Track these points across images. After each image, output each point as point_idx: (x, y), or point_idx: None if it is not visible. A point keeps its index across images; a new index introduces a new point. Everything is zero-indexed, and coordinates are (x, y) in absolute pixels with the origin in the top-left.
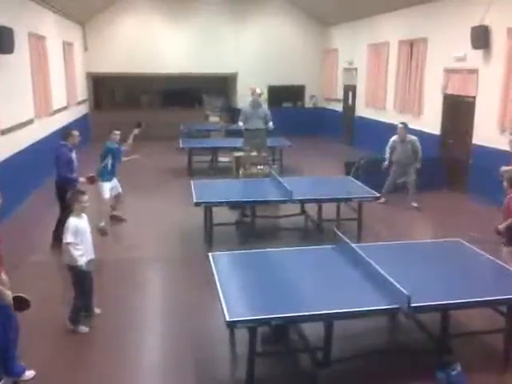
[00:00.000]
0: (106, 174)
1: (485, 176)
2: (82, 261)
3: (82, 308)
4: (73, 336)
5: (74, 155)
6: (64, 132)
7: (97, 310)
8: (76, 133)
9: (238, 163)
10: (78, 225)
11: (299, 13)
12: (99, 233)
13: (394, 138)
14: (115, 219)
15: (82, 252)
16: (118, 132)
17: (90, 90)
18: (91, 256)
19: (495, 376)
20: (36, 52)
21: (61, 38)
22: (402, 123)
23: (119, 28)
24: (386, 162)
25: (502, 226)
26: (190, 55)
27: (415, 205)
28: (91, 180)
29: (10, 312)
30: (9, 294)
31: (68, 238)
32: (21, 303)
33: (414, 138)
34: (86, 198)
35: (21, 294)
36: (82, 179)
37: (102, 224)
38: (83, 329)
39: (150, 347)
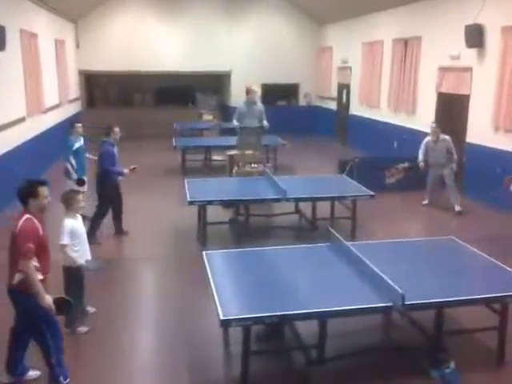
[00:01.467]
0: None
1: (479, 174)
2: (80, 261)
3: (78, 309)
4: (67, 336)
5: (115, 150)
6: (106, 128)
7: (90, 309)
8: (117, 129)
9: (232, 162)
10: (74, 225)
11: (294, 11)
12: None
13: (428, 138)
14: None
15: (80, 253)
16: (79, 124)
17: (83, 87)
18: (88, 257)
19: (489, 373)
20: (28, 49)
21: (53, 35)
22: (434, 123)
23: (112, 26)
24: (421, 163)
25: None
26: (183, 53)
27: (458, 209)
28: (133, 171)
29: (52, 317)
30: (48, 298)
31: (65, 239)
32: (62, 306)
33: (447, 137)
34: (80, 197)
35: (62, 296)
36: (126, 170)
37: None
38: (83, 329)
39: (144, 346)
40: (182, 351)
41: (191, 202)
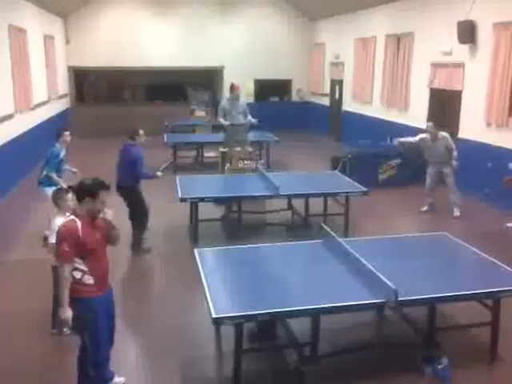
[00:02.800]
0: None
1: (471, 170)
2: None
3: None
4: (53, 338)
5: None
6: (130, 131)
7: None
8: (141, 132)
9: (224, 158)
10: None
11: (286, 6)
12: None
13: (425, 135)
14: None
15: None
16: (67, 133)
17: (72, 83)
18: None
19: (481, 369)
20: (16, 45)
21: (42, 30)
22: (430, 122)
23: (102, 21)
24: (393, 142)
25: None
26: (174, 49)
27: (457, 214)
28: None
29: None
30: (68, 311)
31: (54, 238)
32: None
33: (446, 134)
34: (70, 196)
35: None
36: (159, 173)
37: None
38: (68, 330)
39: (135, 344)
40: (174, 349)
41: (183, 199)
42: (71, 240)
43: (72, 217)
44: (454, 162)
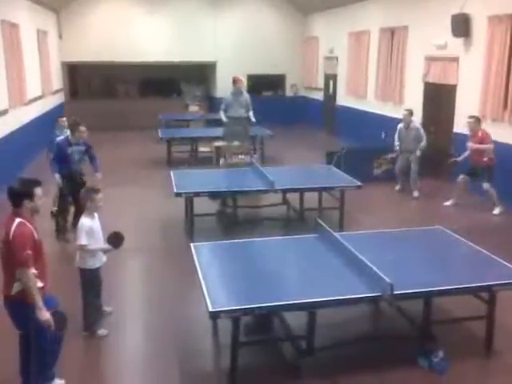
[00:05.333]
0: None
1: (467, 164)
2: (96, 264)
3: (95, 311)
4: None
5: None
6: (70, 123)
7: (107, 309)
8: (83, 128)
9: (219, 153)
10: (93, 225)
11: (279, 0)
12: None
13: (400, 125)
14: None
15: (97, 256)
16: (63, 119)
17: (66, 78)
18: (104, 258)
19: (477, 362)
20: (9, 40)
21: (35, 25)
22: (406, 110)
23: (95, 15)
24: (397, 149)
25: None
26: (168, 43)
27: (415, 195)
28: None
29: (44, 331)
30: (46, 313)
31: (82, 240)
32: (61, 321)
33: (418, 126)
34: (100, 196)
35: (58, 310)
36: (57, 176)
37: (55, 208)
38: (103, 332)
39: (132, 339)
40: (171, 343)
41: (178, 194)
42: (31, 243)
43: (21, 220)
44: (418, 152)
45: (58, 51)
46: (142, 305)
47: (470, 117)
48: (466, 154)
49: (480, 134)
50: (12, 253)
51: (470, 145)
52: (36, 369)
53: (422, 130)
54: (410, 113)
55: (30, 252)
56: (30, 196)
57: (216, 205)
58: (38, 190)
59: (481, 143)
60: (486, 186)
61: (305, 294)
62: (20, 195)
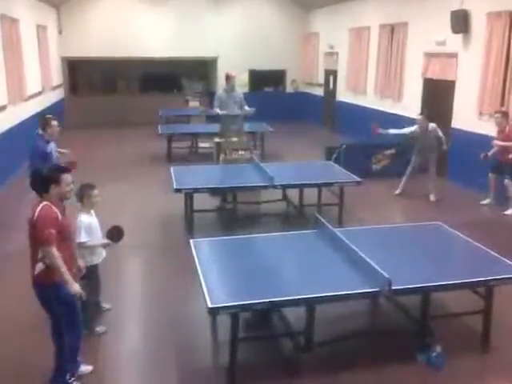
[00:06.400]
0: None
1: (464, 159)
2: (94, 260)
3: (94, 308)
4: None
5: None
6: (41, 121)
7: (106, 306)
8: (54, 122)
9: (219, 149)
10: (91, 222)
11: None
12: None
13: (414, 129)
14: None
15: (96, 252)
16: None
17: (66, 74)
18: (103, 254)
19: (474, 357)
20: (9, 35)
21: (34, 21)
22: (420, 114)
23: (95, 10)
24: (389, 132)
25: None
26: (168, 38)
27: (432, 199)
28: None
29: (76, 311)
30: (77, 285)
31: (82, 237)
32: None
33: (434, 125)
34: (95, 192)
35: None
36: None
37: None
38: (101, 328)
39: (131, 334)
40: (170, 339)
41: (178, 190)
42: (55, 224)
43: (45, 203)
44: (445, 147)
45: (58, 47)
46: (141, 301)
47: (497, 111)
48: (495, 149)
49: (507, 130)
50: (36, 233)
51: (495, 142)
52: (68, 354)
53: (440, 132)
54: (424, 117)
55: (53, 231)
56: (57, 181)
57: (216, 201)
58: (66, 176)
59: (508, 140)
60: (506, 182)
61: (304, 290)
62: (48, 181)
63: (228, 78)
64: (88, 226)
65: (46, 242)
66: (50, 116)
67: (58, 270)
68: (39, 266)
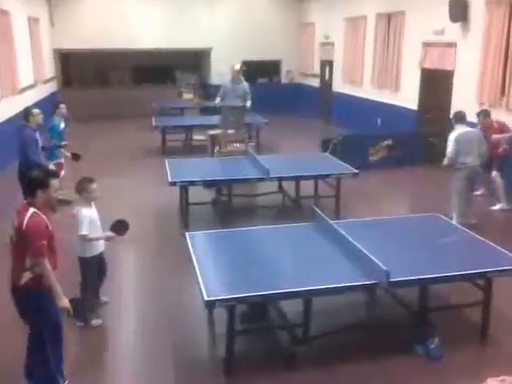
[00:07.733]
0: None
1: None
2: (95, 252)
3: (90, 300)
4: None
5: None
6: (24, 112)
7: (104, 299)
8: (36, 111)
9: (214, 141)
10: (92, 215)
11: None
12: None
13: (456, 133)
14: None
15: (95, 244)
16: (63, 105)
17: (58, 67)
18: (102, 247)
19: (473, 348)
20: (0, 28)
21: (26, 13)
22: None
23: (87, 2)
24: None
25: None
26: (162, 30)
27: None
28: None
29: (60, 321)
30: (66, 300)
31: (83, 229)
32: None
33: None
34: (94, 186)
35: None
36: (51, 166)
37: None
38: (97, 321)
39: (127, 328)
40: (167, 332)
41: (173, 183)
42: (46, 234)
43: (34, 210)
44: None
45: (50, 39)
46: (138, 294)
47: (477, 114)
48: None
49: (496, 125)
50: (26, 243)
51: (494, 136)
52: (54, 362)
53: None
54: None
55: (44, 242)
56: (45, 186)
57: (211, 193)
58: (54, 182)
59: (501, 133)
60: (494, 174)
61: (300, 282)
62: (34, 184)
63: (232, 70)
64: (88, 219)
65: (40, 255)
66: (30, 106)
67: (49, 281)
68: (27, 275)
